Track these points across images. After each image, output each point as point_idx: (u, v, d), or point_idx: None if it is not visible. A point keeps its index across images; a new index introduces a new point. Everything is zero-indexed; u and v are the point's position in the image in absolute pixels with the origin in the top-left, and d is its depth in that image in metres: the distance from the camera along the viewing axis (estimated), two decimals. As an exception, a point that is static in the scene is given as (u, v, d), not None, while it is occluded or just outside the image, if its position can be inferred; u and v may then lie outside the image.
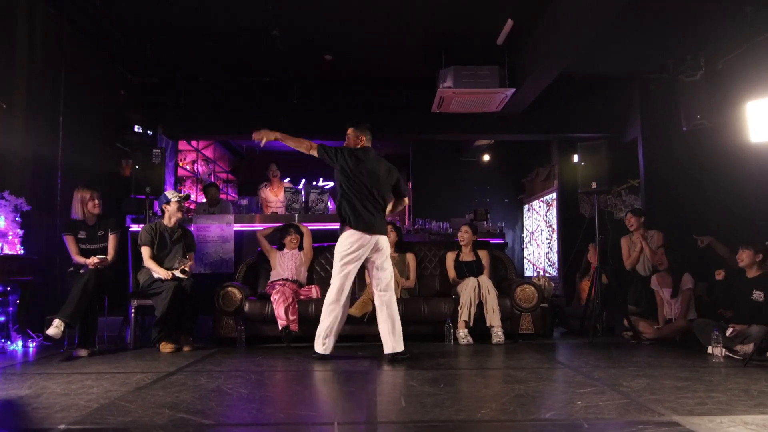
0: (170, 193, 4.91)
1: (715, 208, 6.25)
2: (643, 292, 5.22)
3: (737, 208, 5.97)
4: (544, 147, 9.16)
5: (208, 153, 10.33)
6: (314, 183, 10.80)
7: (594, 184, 5.28)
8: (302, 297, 4.87)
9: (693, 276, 4.80)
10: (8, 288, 4.35)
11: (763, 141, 3.93)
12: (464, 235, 5.33)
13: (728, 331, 4.08)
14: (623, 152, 7.26)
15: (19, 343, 4.40)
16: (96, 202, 4.57)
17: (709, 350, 4.06)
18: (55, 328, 3.94)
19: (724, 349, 4.00)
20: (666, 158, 6.87)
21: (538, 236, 9.83)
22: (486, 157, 10.25)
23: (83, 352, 4.17)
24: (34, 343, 4.49)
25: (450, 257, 5.37)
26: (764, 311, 4.04)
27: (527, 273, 9.84)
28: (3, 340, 4.30)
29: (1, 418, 2.43)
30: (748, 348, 3.94)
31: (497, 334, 4.70)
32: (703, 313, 4.64)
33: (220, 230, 5.71)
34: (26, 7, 4.92)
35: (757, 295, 4.17)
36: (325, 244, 5.56)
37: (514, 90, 6.40)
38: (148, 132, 6.75)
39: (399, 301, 4.73)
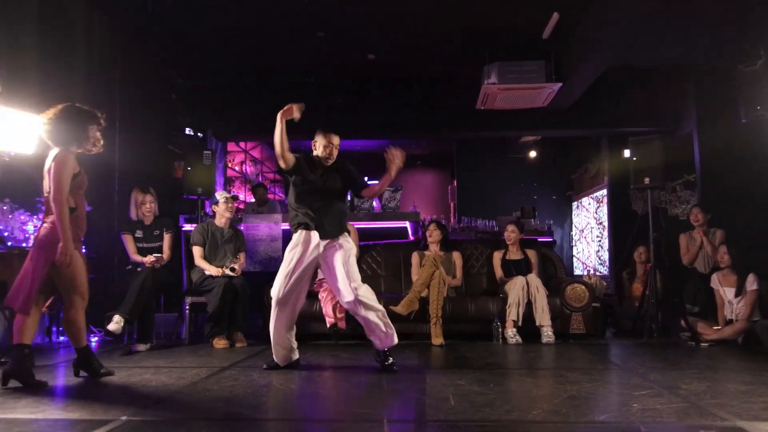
0: (219, 194, 5.05)
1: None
2: (702, 291, 5.02)
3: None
4: (593, 142, 8.93)
5: (256, 154, 10.54)
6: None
7: (647, 180, 5.11)
8: (349, 295, 4.90)
9: (757, 276, 4.59)
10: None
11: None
12: (510, 234, 5.25)
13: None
14: (677, 146, 7.00)
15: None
16: (150, 203, 4.74)
17: (774, 353, 3.89)
18: (116, 323, 4.12)
19: (790, 352, 3.81)
20: (723, 152, 6.58)
21: (588, 234, 9.61)
22: (533, 154, 10.08)
23: (142, 347, 4.34)
24: (96, 338, 4.69)
25: (497, 256, 5.30)
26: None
27: (577, 271, 9.63)
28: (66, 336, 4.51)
29: (67, 409, 2.54)
30: (818, 351, 3.75)
31: (547, 334, 4.61)
32: (766, 314, 4.42)
33: (268, 229, 5.81)
34: (83, 14, 5.14)
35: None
36: (371, 243, 5.60)
37: (560, 84, 6.28)
38: (199, 134, 6.94)
39: (445, 299, 4.73)
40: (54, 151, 3.04)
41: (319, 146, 3.58)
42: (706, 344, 4.53)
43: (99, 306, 4.80)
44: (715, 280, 4.79)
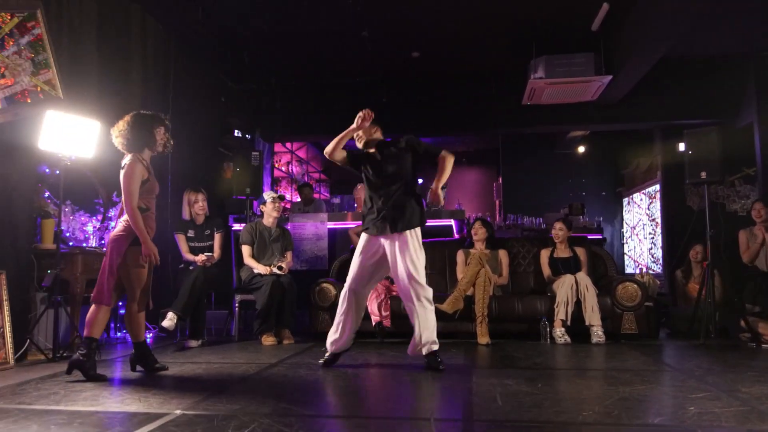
0: (267, 194, 5.16)
1: None
2: (763, 290, 4.78)
3: None
4: (646, 136, 8.63)
5: (302, 154, 10.71)
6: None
7: (703, 174, 4.89)
8: (394, 293, 4.92)
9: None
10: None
11: None
12: (558, 232, 5.14)
13: None
14: (736, 138, 6.69)
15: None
16: (202, 203, 4.89)
17: None
18: (169, 320, 4.28)
19: None
20: (788, 143, 6.27)
21: (640, 231, 9.31)
22: (581, 149, 9.84)
23: (194, 343, 4.48)
24: (151, 334, 4.87)
25: (544, 254, 5.20)
26: None
27: (628, 270, 9.36)
28: (124, 332, 4.71)
29: (125, 402, 2.66)
30: None
31: (597, 334, 4.49)
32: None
33: (314, 228, 5.90)
34: (139, 23, 5.35)
35: None
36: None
37: (611, 77, 6.10)
38: (247, 136, 7.11)
39: (492, 298, 4.69)
40: (126, 159, 3.24)
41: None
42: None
43: (154, 303, 4.98)
44: (778, 279, 4.57)
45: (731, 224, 5.75)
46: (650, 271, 8.14)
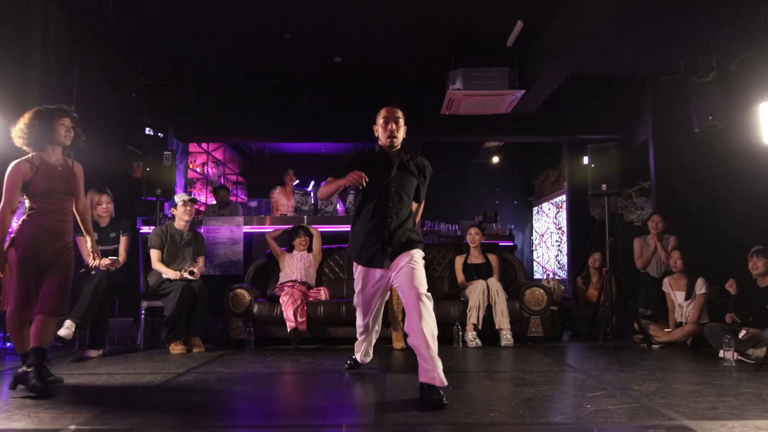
0: (177, 196, 4.96)
1: (728, 211, 6.19)
2: (654, 295, 5.17)
3: (751, 212, 5.91)
4: (554, 148, 9.11)
5: (218, 155, 10.38)
6: (323, 185, 10.81)
7: (604, 186, 5.25)
8: (311, 299, 4.88)
9: (706, 281, 4.76)
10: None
11: (776, 143, 3.90)
12: (475, 237, 5.31)
13: (741, 334, 4.03)
14: (634, 154, 7.20)
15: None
16: (106, 205, 4.62)
17: (721, 354, 4.03)
18: (66, 329, 3.99)
19: (736, 353, 3.96)
20: (677, 160, 6.82)
21: (548, 238, 9.78)
22: (495, 159, 10.23)
23: (94, 353, 4.21)
24: (46, 344, 4.52)
25: (459, 260, 5.35)
26: (778, 316, 3.99)
27: (537, 275, 9.79)
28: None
29: (11, 418, 2.45)
30: (761, 352, 3.90)
31: (506, 337, 4.68)
32: (715, 317, 4.59)
33: (229, 232, 5.74)
34: (39, 10, 4.97)
35: (773, 302, 4.12)
36: (334, 246, 5.57)
37: (524, 91, 6.39)
38: (159, 134, 6.79)
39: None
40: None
41: (379, 126, 3.13)
42: (658, 346, 4.68)
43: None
44: (666, 284, 4.95)
45: (628, 233, 6.19)
46: (556, 277, 8.57)
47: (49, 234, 3.06)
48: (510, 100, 6.61)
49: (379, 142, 3.13)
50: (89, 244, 3.45)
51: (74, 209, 3.28)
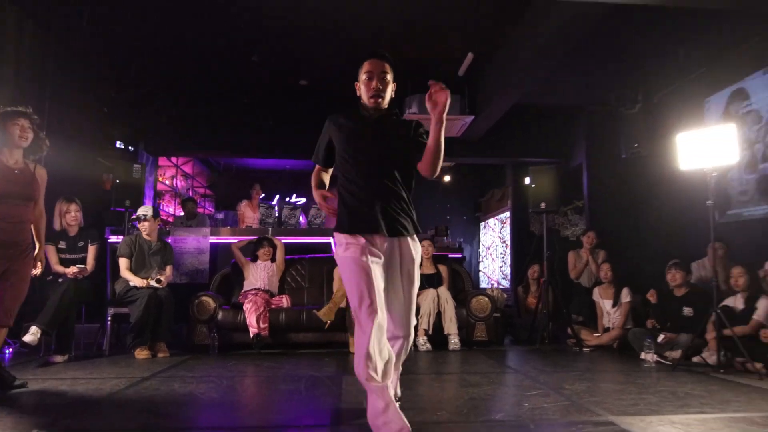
0: (141, 209, 4.84)
1: (650, 229, 6.46)
2: (586, 303, 5.32)
3: (669, 229, 6.19)
4: (500, 170, 9.31)
5: (187, 169, 10.17)
6: (287, 199, 10.74)
7: (543, 205, 5.40)
8: (273, 306, 4.82)
9: (630, 290, 4.93)
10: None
11: (691, 168, 4.10)
12: (428, 249, 5.36)
13: (660, 338, 4.21)
14: (569, 176, 7.43)
15: (-5, 350, 4.22)
16: (75, 213, 4.45)
17: (642, 356, 4.18)
18: (32, 335, 3.79)
19: (655, 355, 4.12)
20: (607, 182, 7.06)
21: (493, 251, 9.96)
22: (447, 178, 10.38)
23: (59, 359, 4.03)
24: (10, 350, 4.30)
25: (412, 270, 5.38)
26: (692, 323, 4.17)
27: (483, 285, 9.93)
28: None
29: (-25, 423, 2.32)
30: (677, 354, 4.08)
31: (454, 342, 4.73)
32: (637, 323, 4.76)
33: (196, 242, 5.61)
34: (14, 23, 4.79)
35: (687, 311, 4.28)
36: (296, 257, 5.52)
37: (473, 117, 6.53)
38: (130, 148, 6.60)
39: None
40: None
41: (362, 83, 2.36)
42: (588, 349, 4.81)
43: (16, 316, 4.42)
44: (596, 293, 5.11)
45: (563, 247, 6.37)
46: (499, 286, 8.73)
47: None
48: (460, 125, 6.74)
49: (362, 102, 2.38)
50: (36, 251, 3.12)
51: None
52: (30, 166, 3.01)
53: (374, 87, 2.29)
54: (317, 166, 2.51)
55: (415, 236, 2.34)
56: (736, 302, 4.05)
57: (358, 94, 2.39)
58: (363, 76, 2.34)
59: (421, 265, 5.41)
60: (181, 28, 5.38)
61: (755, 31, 5.11)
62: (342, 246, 2.24)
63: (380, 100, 2.30)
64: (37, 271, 3.20)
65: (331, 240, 6.12)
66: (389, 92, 2.35)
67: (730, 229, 5.40)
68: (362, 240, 2.22)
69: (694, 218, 5.49)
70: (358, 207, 2.25)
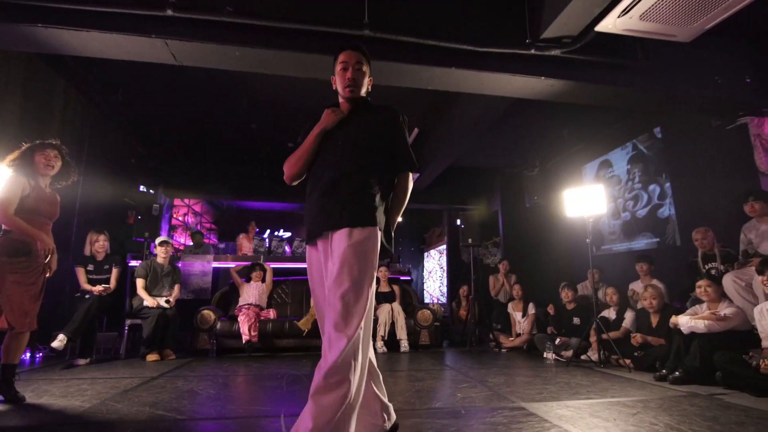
0: (158, 239, 4.65)
1: (548, 258, 6.65)
2: (503, 314, 5.37)
3: (560, 258, 6.40)
4: (438, 213, 9.46)
5: (197, 208, 9.86)
6: (276, 233, 10.53)
7: (470, 240, 5.50)
8: (262, 317, 4.64)
9: (535, 304, 5.03)
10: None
11: (575, 215, 4.30)
12: (384, 273, 5.33)
13: (557, 341, 4.27)
14: (489, 219, 7.63)
15: (28, 354, 3.87)
16: (102, 242, 4.22)
17: (545, 355, 4.23)
18: (59, 341, 3.51)
19: (554, 355, 4.17)
20: (517, 223, 7.28)
21: (434, 274, 10.00)
22: (399, 219, 10.43)
23: (82, 361, 3.73)
24: (40, 354, 3.95)
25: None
26: (579, 330, 4.27)
27: (426, 300, 9.91)
28: None
29: (6, 416, 2.09)
30: (569, 353, 4.14)
31: (404, 345, 4.66)
32: (540, 329, 4.83)
33: (201, 266, 5.39)
34: (61, 92, 4.64)
35: (576, 320, 4.39)
36: (282, 278, 5.38)
37: (419, 175, 6.66)
38: (151, 191, 6.38)
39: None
40: None
41: (336, 75, 1.80)
42: (505, 350, 4.82)
43: (48, 326, 4.08)
44: (510, 307, 5.16)
45: (485, 272, 6.46)
46: (438, 302, 8.72)
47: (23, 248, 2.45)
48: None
49: (339, 96, 1.84)
50: (47, 259, 2.58)
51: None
52: (54, 192, 2.74)
53: (349, 77, 1.76)
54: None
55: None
56: (610, 313, 4.18)
57: (334, 88, 1.84)
58: (338, 68, 1.79)
59: (378, 285, 5.37)
60: (195, 102, 5.33)
61: (616, 118, 5.51)
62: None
63: (355, 89, 1.76)
64: (48, 274, 2.65)
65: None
66: (366, 83, 1.81)
67: (604, 259, 5.64)
68: None
69: (577, 251, 5.72)
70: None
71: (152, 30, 2.99)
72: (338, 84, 1.81)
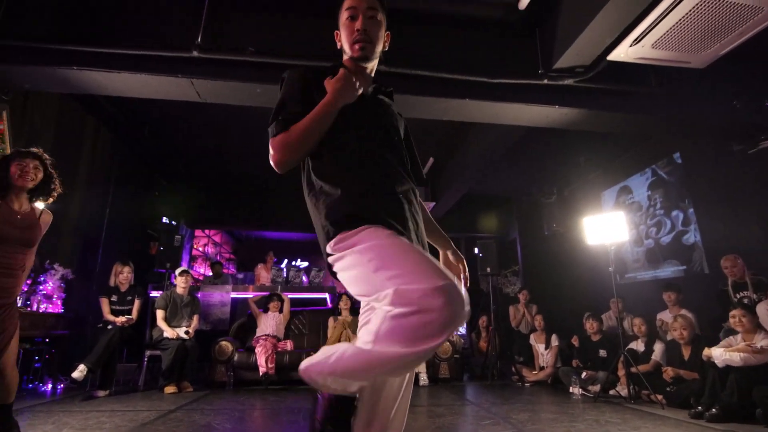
0: (178, 270, 4.73)
1: (569, 287, 6.49)
2: (525, 346, 5.22)
3: (582, 287, 6.23)
4: (455, 242, 9.33)
5: (217, 239, 10.03)
6: (293, 263, 10.58)
7: (489, 269, 5.43)
8: (279, 349, 4.61)
9: (558, 335, 4.87)
10: (47, 339, 3.93)
11: (595, 243, 4.22)
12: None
13: (583, 375, 4.11)
14: (507, 247, 7.54)
15: (50, 385, 3.91)
16: (127, 274, 4.32)
17: (571, 389, 4.06)
18: (79, 372, 3.55)
19: (580, 389, 4.00)
20: (535, 252, 7.17)
21: (452, 304, 9.77)
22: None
23: (101, 393, 3.74)
24: (62, 385, 3.99)
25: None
26: (607, 363, 4.10)
27: (445, 331, 9.66)
28: (37, 382, 3.81)
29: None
30: (597, 388, 3.97)
31: (423, 378, 4.53)
32: (565, 362, 4.66)
33: (221, 297, 5.43)
34: (91, 130, 4.89)
35: (602, 353, 4.24)
36: (299, 308, 5.37)
37: (434, 203, 6.67)
38: (173, 222, 6.54)
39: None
40: None
41: (342, 26, 1.30)
42: (528, 384, 4.65)
43: (69, 357, 4.14)
44: (532, 338, 5.02)
45: (505, 302, 6.33)
46: (458, 333, 8.51)
47: None
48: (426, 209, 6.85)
49: (344, 56, 1.33)
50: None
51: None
52: (36, 210, 2.23)
53: (358, 28, 1.24)
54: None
55: None
56: (638, 345, 4.02)
57: (339, 47, 1.32)
58: (343, 17, 1.28)
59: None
60: (217, 140, 5.53)
61: (634, 144, 5.47)
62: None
63: (368, 45, 1.25)
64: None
65: (326, 295, 5.98)
66: (382, 38, 1.28)
67: (628, 288, 5.47)
68: None
69: (600, 279, 5.57)
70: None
71: (179, 70, 3.17)
72: (343, 39, 1.28)
